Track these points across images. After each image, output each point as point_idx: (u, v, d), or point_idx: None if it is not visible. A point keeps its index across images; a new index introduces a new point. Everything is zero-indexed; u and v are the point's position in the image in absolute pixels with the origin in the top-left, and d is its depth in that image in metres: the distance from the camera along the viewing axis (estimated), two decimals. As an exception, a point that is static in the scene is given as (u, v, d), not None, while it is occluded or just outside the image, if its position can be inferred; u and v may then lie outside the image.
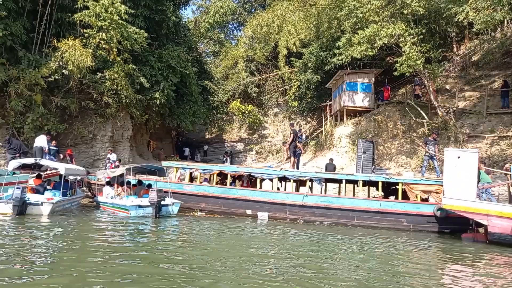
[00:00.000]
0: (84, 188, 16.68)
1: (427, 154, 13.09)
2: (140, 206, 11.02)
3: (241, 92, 35.34)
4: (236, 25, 46.13)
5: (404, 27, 15.91)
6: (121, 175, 14.29)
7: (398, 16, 17.29)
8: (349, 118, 23.92)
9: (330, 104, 26.79)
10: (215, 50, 41.45)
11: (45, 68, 15.66)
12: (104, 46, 16.84)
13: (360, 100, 23.82)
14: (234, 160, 34.09)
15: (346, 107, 23.72)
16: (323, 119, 27.96)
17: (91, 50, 16.68)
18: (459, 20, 14.43)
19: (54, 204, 10.36)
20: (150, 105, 21.52)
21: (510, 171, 10.97)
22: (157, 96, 20.95)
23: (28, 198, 10.13)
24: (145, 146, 25.75)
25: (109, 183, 14.53)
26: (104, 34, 16.67)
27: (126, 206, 11.19)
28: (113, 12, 16.42)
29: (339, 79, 24.52)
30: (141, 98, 20.33)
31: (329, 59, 23.95)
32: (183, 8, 26.63)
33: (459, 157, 9.80)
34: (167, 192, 12.68)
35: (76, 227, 9.25)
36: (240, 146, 37.32)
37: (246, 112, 33.73)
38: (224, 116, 36.65)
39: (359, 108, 23.72)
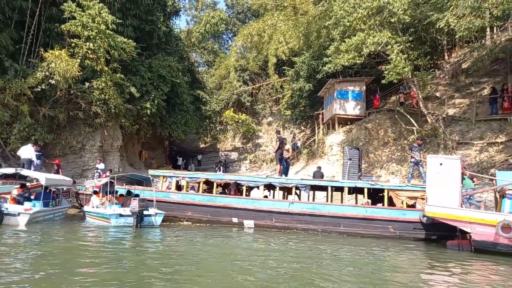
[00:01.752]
0: (71, 199, 16.49)
1: (412, 160, 13.03)
2: (121, 215, 10.84)
3: (234, 101, 35.40)
4: (230, 35, 46.46)
5: (390, 35, 15.97)
6: (110, 185, 14.24)
7: (386, 25, 17.40)
8: (341, 126, 23.91)
9: (323, 113, 26.81)
10: (209, 60, 41.62)
11: (31, 79, 15.64)
12: (91, 56, 16.83)
13: (351, 108, 23.83)
14: (228, 169, 33.96)
15: (337, 115, 23.72)
16: (316, 128, 27.97)
17: (78, 60, 16.68)
18: (442, 27, 14.51)
19: (32, 215, 10.20)
20: (141, 114, 21.45)
21: (495, 177, 10.90)
22: (148, 105, 20.92)
23: (6, 208, 9.97)
24: (136, 156, 25.62)
25: (96, 193, 14.39)
26: (91, 44, 16.68)
27: (106, 215, 11.03)
28: (100, 22, 16.46)
29: (330, 87, 24.58)
30: (131, 108, 20.26)
31: (320, 67, 24.04)
32: (174, 19, 26.71)
33: (441, 164, 9.71)
34: (152, 201, 12.55)
35: (46, 238, 8.96)
36: (234, 155, 37.22)
37: (240, 121, 33.71)
38: (218, 125, 36.65)
39: (350, 116, 23.72)
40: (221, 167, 31.55)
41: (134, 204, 10.38)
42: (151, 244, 8.99)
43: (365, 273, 6.73)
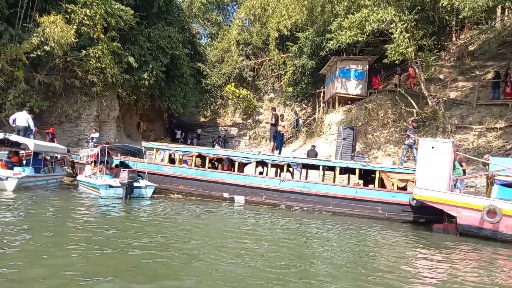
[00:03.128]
0: (65, 167, 16.59)
1: (406, 142, 12.88)
2: (110, 186, 10.86)
3: (236, 76, 34.93)
4: (236, 7, 45.30)
5: (394, 12, 15.45)
6: (102, 155, 14.25)
7: (392, 2, 16.83)
8: (341, 106, 23.62)
9: (324, 91, 26.45)
10: (213, 33, 40.81)
11: (26, 44, 15.39)
12: (87, 22, 16.47)
13: (353, 87, 23.46)
14: (228, 144, 33.95)
15: (338, 94, 23.39)
16: (317, 106, 27.67)
17: (74, 27, 16.35)
18: (446, 6, 13.95)
19: (20, 179, 10.23)
20: (139, 85, 21.25)
21: (488, 162, 10.78)
22: (146, 76, 20.66)
23: (-6, 173, 10.02)
24: (134, 127, 25.59)
25: (95, 162, 14.40)
26: (88, 10, 16.30)
27: (96, 185, 11.07)
28: (97, -12, 16.03)
29: (332, 65, 24.12)
30: (128, 78, 20.04)
31: (324, 44, 23.49)
32: (176, -14, 25.92)
33: (433, 147, 9.58)
34: (144, 173, 12.58)
35: (34, 204, 9.01)
36: (234, 130, 37.12)
37: (241, 96, 33.39)
38: (218, 100, 36.35)
39: (351, 96, 23.37)
40: (220, 142, 31.55)
41: (124, 175, 10.36)
42: (136, 214, 9.02)
43: (347, 252, 6.78)
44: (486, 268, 6.31)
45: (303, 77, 28.35)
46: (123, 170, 10.49)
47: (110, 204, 9.90)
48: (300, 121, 30.07)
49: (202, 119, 38.25)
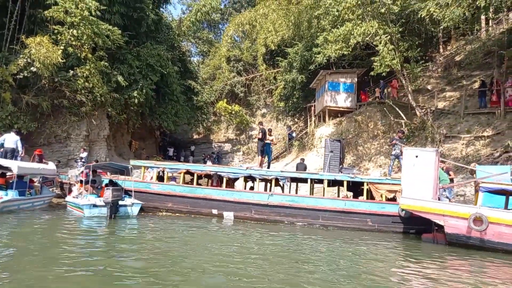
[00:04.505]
0: (54, 188, 16.38)
1: (393, 153, 12.87)
2: (94, 205, 10.68)
3: (228, 92, 35.11)
4: (226, 25, 45.96)
5: (378, 25, 15.68)
6: (94, 175, 14.13)
7: (376, 15, 17.09)
8: (331, 119, 23.70)
9: (314, 105, 26.58)
10: (204, 50, 41.23)
11: (13, 65, 15.42)
12: (74, 43, 16.56)
13: (342, 100, 23.59)
14: (222, 160, 33.84)
15: (328, 107, 23.49)
16: (309, 120, 27.76)
17: (62, 47, 16.43)
18: (424, 17, 14.15)
19: (1, 204, 10.06)
20: (128, 104, 21.25)
21: (475, 171, 10.75)
22: (135, 95, 20.67)
23: (-23, 196, 9.86)
24: (126, 146, 25.46)
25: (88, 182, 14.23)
26: (74, 31, 16.42)
27: (80, 205, 10.91)
28: (83, 8, 16.18)
29: (322, 79, 24.32)
30: (118, 97, 20.06)
31: (313, 58, 23.72)
32: (164, 6, 26.29)
33: (417, 156, 9.55)
34: (131, 191, 12.44)
35: (9, 228, 8.81)
36: (227, 146, 37.06)
37: (233, 112, 33.49)
38: (211, 116, 36.43)
39: (341, 109, 23.48)
40: (213, 159, 31.45)
41: (107, 193, 10.22)
42: (116, 234, 8.82)
43: (339, 265, 6.68)
44: (467, 281, 6.21)
45: (294, 92, 28.51)
46: (107, 189, 10.34)
47: (91, 224, 9.71)
48: (294, 134, 30.05)
49: (195, 136, 38.23)
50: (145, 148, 27.87)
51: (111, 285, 4.70)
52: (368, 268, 6.65)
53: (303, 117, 31.59)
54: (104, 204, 10.52)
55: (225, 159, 34.87)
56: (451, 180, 11.88)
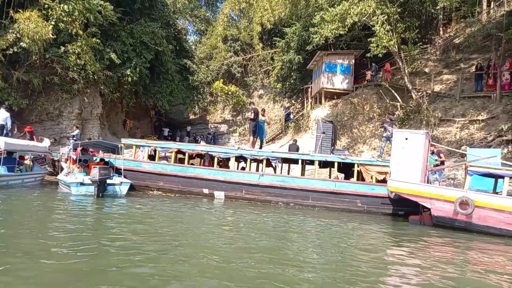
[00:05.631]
0: (46, 165, 16.34)
1: (384, 135, 12.80)
2: (81, 183, 10.61)
3: (224, 72, 34.70)
4: (225, 3, 45.03)
5: (375, 5, 15.33)
6: (86, 153, 14.06)
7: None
8: (327, 100, 23.50)
9: (311, 86, 26.32)
10: (201, 29, 40.51)
11: (2, 41, 15.09)
12: (65, 18, 16.18)
13: (339, 82, 23.34)
14: (218, 141, 33.78)
15: (324, 89, 23.26)
16: (305, 101, 27.55)
17: (52, 23, 16.07)
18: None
19: (-13, 179, 10.03)
20: (122, 82, 20.97)
21: (466, 154, 10.73)
22: (129, 73, 20.38)
23: (-36, 171, 9.80)
24: (120, 124, 25.32)
25: (80, 161, 14.17)
26: (65, 6, 16.02)
27: (67, 182, 10.86)
28: (74, -18, 15.76)
29: (319, 60, 23.99)
30: (111, 75, 19.79)
31: (311, 38, 23.33)
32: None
33: (406, 139, 9.48)
34: (120, 169, 12.40)
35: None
36: (224, 127, 36.94)
37: (229, 93, 33.20)
38: (208, 97, 36.12)
39: (337, 90, 23.27)
40: (210, 140, 31.42)
41: (94, 172, 10.12)
42: (101, 213, 8.77)
43: (322, 246, 6.73)
44: (452, 262, 6.23)
45: (291, 73, 28.17)
46: (94, 167, 10.26)
47: (77, 202, 9.66)
48: (292, 116, 29.84)
49: (192, 116, 38.01)
50: (140, 128, 27.73)
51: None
52: (350, 250, 6.67)
53: (300, 98, 31.36)
54: (91, 182, 10.45)
55: (221, 140, 34.80)
56: (442, 163, 11.87)
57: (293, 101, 32.75)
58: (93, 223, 7.48)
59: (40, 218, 7.49)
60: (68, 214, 8.19)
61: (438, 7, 14.23)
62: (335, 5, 16.59)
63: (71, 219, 7.56)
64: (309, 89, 26.75)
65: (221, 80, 33.23)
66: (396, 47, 17.15)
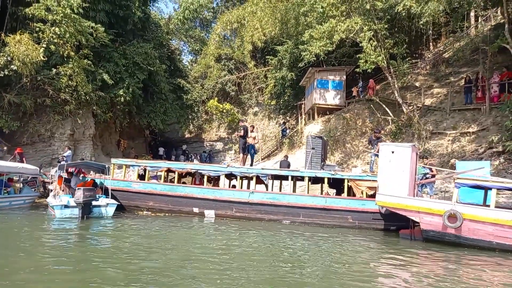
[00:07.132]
0: (36, 188, 16.18)
1: (373, 152, 12.76)
2: (66, 206, 10.41)
3: (219, 90, 34.94)
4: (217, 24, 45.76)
5: (362, 21, 15.57)
6: (76, 174, 13.92)
7: (362, 12, 16.97)
8: (320, 116, 23.59)
9: (304, 103, 26.48)
10: (196, 49, 41.00)
11: (-8, 64, 15.20)
12: (56, 41, 16.35)
13: (331, 97, 23.49)
14: (213, 159, 33.67)
15: (317, 105, 23.39)
16: (299, 118, 27.64)
17: (44, 45, 16.23)
18: (401, 12, 14.02)
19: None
20: (114, 102, 21.04)
21: (455, 167, 10.67)
22: (121, 93, 20.45)
23: None
24: (114, 145, 25.25)
25: (68, 181, 14.03)
26: (57, 29, 16.21)
27: (52, 205, 10.71)
28: (65, 6, 15.98)
29: (310, 76, 24.21)
30: (103, 96, 19.86)
31: (302, 56, 23.59)
32: (152, 4, 26.05)
33: (393, 152, 9.43)
34: (107, 190, 12.27)
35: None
36: (219, 145, 36.90)
37: (224, 111, 33.34)
38: (203, 115, 36.25)
39: (330, 106, 23.39)
40: (205, 158, 31.32)
41: (78, 194, 9.97)
42: (79, 239, 8.43)
43: (317, 263, 6.58)
44: (439, 276, 6.10)
45: (285, 90, 28.39)
46: (78, 189, 10.12)
47: (59, 226, 9.39)
48: (288, 131, 29.82)
49: (187, 135, 38.02)
50: (134, 148, 27.64)
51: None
52: (340, 265, 6.53)
53: (294, 115, 31.49)
54: (75, 205, 10.26)
55: (217, 158, 34.70)
56: (433, 176, 11.79)
57: (287, 118, 32.86)
58: (68, 252, 6.91)
59: (9, 245, 7.20)
60: (44, 239, 7.92)
61: (421, 22, 14.42)
62: (323, 23, 16.80)
63: (45, 245, 7.28)
64: (303, 105, 26.90)
65: (216, 98, 33.42)
66: (385, 62, 17.33)
